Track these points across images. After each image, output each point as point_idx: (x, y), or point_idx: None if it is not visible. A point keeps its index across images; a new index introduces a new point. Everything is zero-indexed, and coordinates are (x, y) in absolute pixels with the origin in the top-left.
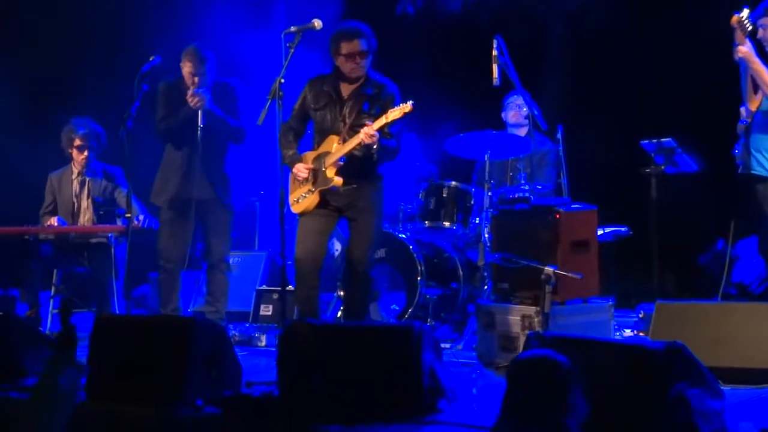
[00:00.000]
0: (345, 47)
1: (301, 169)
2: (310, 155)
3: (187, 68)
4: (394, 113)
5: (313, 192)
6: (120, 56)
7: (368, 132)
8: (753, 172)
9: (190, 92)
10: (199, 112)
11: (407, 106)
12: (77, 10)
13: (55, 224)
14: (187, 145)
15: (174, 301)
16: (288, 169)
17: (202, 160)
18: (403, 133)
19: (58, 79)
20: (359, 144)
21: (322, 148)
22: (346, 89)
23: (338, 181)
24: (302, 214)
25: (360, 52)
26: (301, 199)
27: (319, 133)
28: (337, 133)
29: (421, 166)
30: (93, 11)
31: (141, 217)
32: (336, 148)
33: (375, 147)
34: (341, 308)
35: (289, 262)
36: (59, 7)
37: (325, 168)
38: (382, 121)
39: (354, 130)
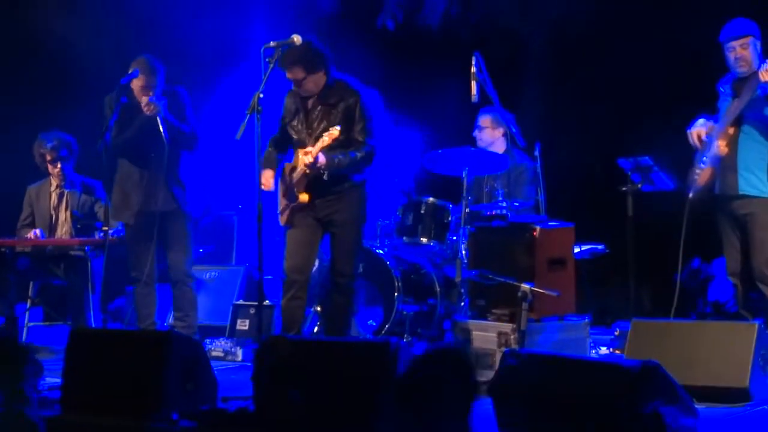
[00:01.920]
0: (288, 75)
1: (265, 179)
2: (287, 167)
3: (138, 80)
4: (325, 141)
5: (288, 206)
6: (100, 68)
7: (307, 162)
8: (742, 192)
9: (144, 101)
10: (159, 122)
11: (335, 132)
12: (58, 22)
13: (34, 236)
14: (145, 158)
15: (150, 316)
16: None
17: (157, 170)
18: (375, 133)
19: (32, 90)
20: (306, 169)
21: (295, 162)
22: (310, 100)
23: (303, 198)
24: (289, 225)
25: (300, 80)
26: (282, 212)
27: (294, 146)
28: (304, 146)
29: (398, 181)
30: (75, 24)
31: (117, 226)
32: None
33: (323, 170)
34: (318, 323)
35: (268, 277)
36: (37, 14)
37: (294, 182)
38: (318, 146)
39: (318, 140)
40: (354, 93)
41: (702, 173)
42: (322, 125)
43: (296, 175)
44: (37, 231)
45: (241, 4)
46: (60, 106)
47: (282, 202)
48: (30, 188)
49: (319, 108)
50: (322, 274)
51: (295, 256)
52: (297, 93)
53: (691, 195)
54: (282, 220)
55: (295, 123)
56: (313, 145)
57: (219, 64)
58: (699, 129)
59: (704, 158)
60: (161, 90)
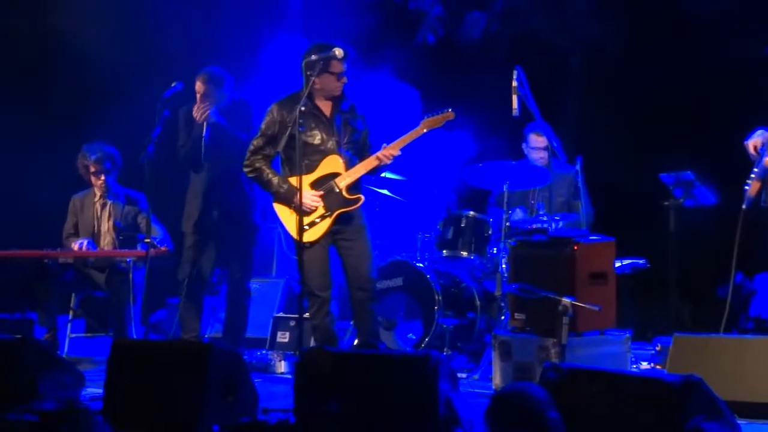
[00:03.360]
0: (335, 66)
1: (312, 198)
2: (305, 179)
3: (197, 87)
4: (431, 123)
5: (328, 216)
6: (144, 80)
7: (391, 154)
8: None
9: (195, 108)
10: (204, 126)
11: (449, 114)
12: (100, 33)
13: (80, 248)
14: (204, 167)
15: (196, 329)
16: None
17: (216, 179)
18: None
19: (79, 101)
20: (378, 164)
21: (323, 170)
22: (325, 107)
23: (361, 198)
24: (310, 243)
25: (346, 71)
26: (313, 226)
27: (311, 154)
28: (335, 153)
29: (439, 195)
30: (118, 35)
31: (159, 236)
32: (344, 167)
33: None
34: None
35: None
36: (80, 29)
37: (340, 189)
38: (413, 135)
39: (347, 148)
40: (357, 107)
41: (752, 185)
42: (347, 132)
43: (344, 180)
44: (85, 242)
45: (281, 17)
46: (104, 116)
47: (309, 217)
48: (74, 198)
49: (341, 114)
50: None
51: (323, 274)
52: (300, 100)
53: (744, 207)
54: (311, 235)
55: (314, 132)
56: (336, 153)
57: (262, 75)
58: (756, 140)
59: (755, 170)
60: (224, 100)
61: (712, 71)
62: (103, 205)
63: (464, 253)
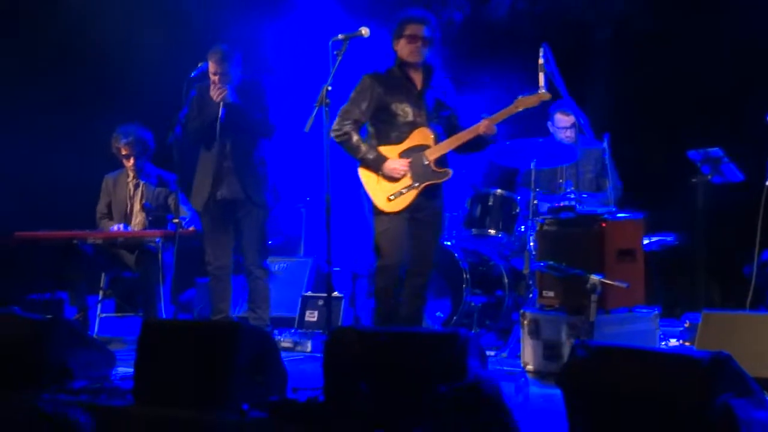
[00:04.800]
0: (410, 28)
1: (400, 166)
2: (393, 150)
3: (210, 68)
4: (526, 102)
5: (414, 187)
6: (170, 60)
7: (490, 125)
8: None
9: (211, 87)
10: (220, 107)
11: (545, 94)
12: (126, 13)
13: (117, 230)
14: (217, 145)
15: (225, 310)
16: (333, 168)
17: (228, 157)
18: None
19: (108, 81)
20: (473, 136)
21: (412, 141)
22: (417, 79)
23: (449, 172)
24: (391, 213)
25: (423, 37)
26: (398, 196)
27: (401, 126)
28: (424, 125)
29: (466, 173)
30: (143, 15)
31: (187, 216)
32: (434, 141)
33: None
34: None
35: (336, 269)
36: (106, 10)
37: (429, 161)
38: (506, 113)
39: (434, 120)
40: (447, 80)
41: None
42: (433, 104)
43: (434, 152)
44: (121, 226)
45: None
46: (135, 96)
47: (388, 189)
48: (107, 177)
49: (428, 86)
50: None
51: (403, 250)
52: (395, 72)
53: (767, 183)
54: (395, 206)
55: (404, 104)
56: (426, 126)
57: (286, 54)
58: None
59: None
60: (238, 79)
61: (742, 46)
62: (136, 186)
63: (492, 232)
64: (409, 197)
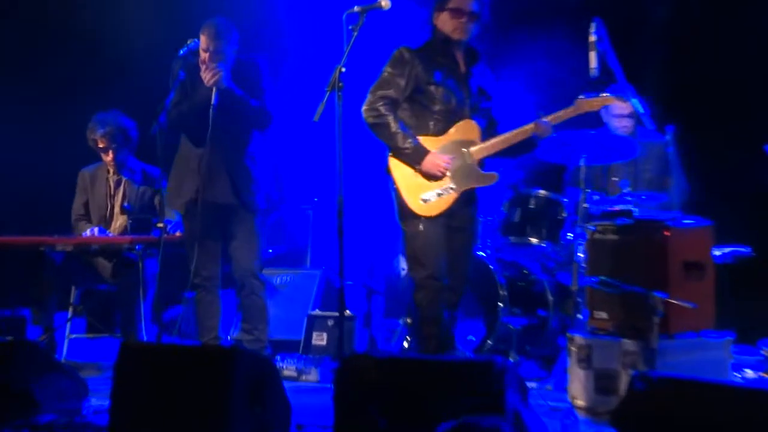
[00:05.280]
0: (455, 1)
1: (443, 163)
2: (432, 142)
3: (201, 43)
4: (588, 105)
5: (453, 190)
6: (159, 37)
7: (548, 127)
8: None
9: (203, 68)
10: (214, 92)
11: (609, 98)
12: None
13: (91, 234)
14: (205, 138)
15: (213, 328)
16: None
17: (219, 153)
18: None
19: (85, 61)
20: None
21: (455, 135)
22: (461, 61)
23: (495, 176)
24: (428, 218)
25: (470, 11)
26: (436, 198)
27: (440, 114)
28: (469, 117)
29: (504, 171)
30: None
31: (173, 220)
32: (479, 136)
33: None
34: (407, 337)
35: (349, 282)
36: None
37: (473, 160)
38: (564, 115)
39: (477, 112)
40: (489, 67)
41: None
42: (482, 92)
43: (480, 150)
44: (95, 230)
45: None
46: (114, 80)
47: (424, 188)
48: (83, 172)
49: (473, 69)
50: (410, 281)
51: (442, 257)
52: (437, 49)
53: None
54: (430, 209)
55: (447, 88)
56: (470, 118)
57: (290, 31)
58: None
59: None
60: (231, 58)
61: None
62: (118, 183)
63: (534, 240)
64: (447, 202)
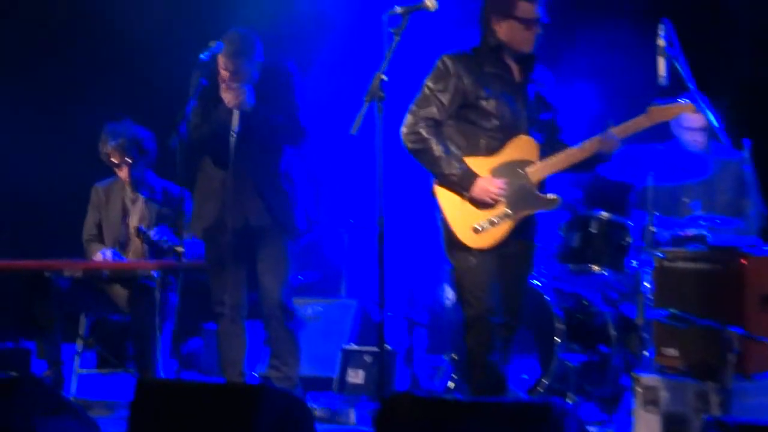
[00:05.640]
0: (522, 8)
1: (496, 188)
2: (483, 163)
3: (220, 62)
4: (662, 114)
5: (509, 217)
6: (179, 38)
7: (615, 141)
8: None
9: (223, 88)
10: (235, 114)
11: (687, 105)
12: None
13: (104, 259)
14: (226, 160)
15: (237, 363)
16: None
17: (245, 174)
18: None
19: (99, 65)
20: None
21: (509, 154)
22: (515, 70)
23: (558, 200)
24: (480, 249)
25: (540, 20)
26: (489, 227)
27: (493, 131)
28: (525, 132)
29: (561, 190)
30: None
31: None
32: (537, 154)
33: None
34: (453, 375)
35: (389, 314)
36: None
37: (531, 182)
38: (635, 126)
39: (535, 126)
40: (549, 74)
41: None
42: (541, 102)
43: (539, 170)
44: (109, 252)
45: None
46: (130, 85)
47: (474, 217)
48: (97, 187)
49: (530, 81)
50: (457, 314)
51: (494, 293)
52: (487, 57)
53: None
54: (483, 240)
55: (501, 101)
56: (527, 134)
57: (325, 34)
58: None
59: None
60: (255, 74)
61: None
62: (134, 201)
63: (594, 268)
64: (502, 230)
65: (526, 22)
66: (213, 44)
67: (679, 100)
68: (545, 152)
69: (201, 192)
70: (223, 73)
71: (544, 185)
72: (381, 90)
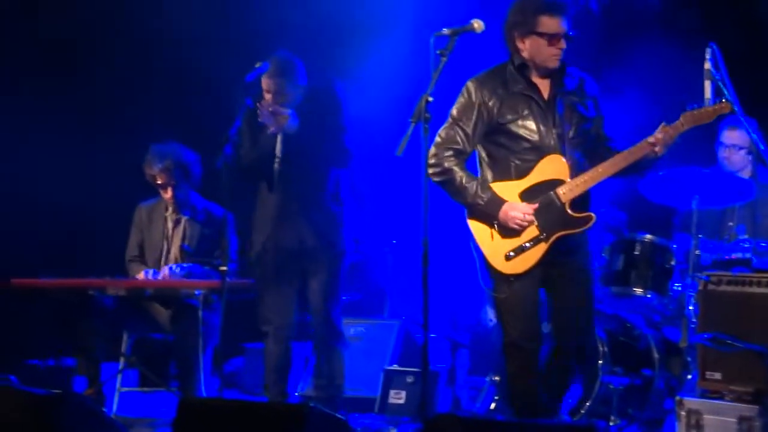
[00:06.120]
0: (544, 23)
1: (522, 214)
2: (512, 187)
3: (263, 84)
4: (696, 118)
5: (542, 240)
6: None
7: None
8: None
9: (266, 112)
10: (279, 138)
11: (724, 105)
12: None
13: (146, 278)
14: (278, 180)
15: (281, 382)
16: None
17: (292, 197)
18: None
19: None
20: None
21: (539, 176)
22: (543, 86)
23: (592, 217)
24: (516, 275)
25: (566, 33)
26: (520, 253)
27: (524, 152)
28: (556, 151)
29: (606, 212)
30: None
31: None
32: (569, 172)
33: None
34: (495, 397)
35: (432, 335)
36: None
37: (562, 202)
38: (678, 128)
39: (574, 144)
40: (592, 82)
41: None
42: (575, 115)
43: (572, 189)
44: (150, 272)
45: None
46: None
47: (506, 243)
48: (140, 207)
49: (563, 96)
50: (499, 335)
51: (531, 318)
52: (509, 77)
53: None
54: (516, 266)
55: (527, 122)
56: (571, 151)
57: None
58: None
59: None
60: (298, 96)
61: None
62: (177, 222)
63: (638, 290)
64: (536, 254)
65: (550, 38)
66: (258, 65)
67: (716, 100)
68: (593, 162)
69: (258, 216)
70: (266, 96)
71: (589, 204)
72: (427, 111)
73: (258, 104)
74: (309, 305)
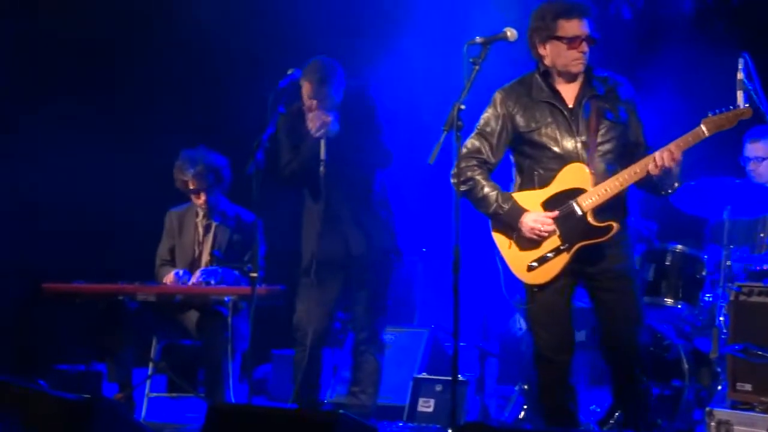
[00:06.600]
0: (566, 27)
1: (541, 225)
2: (533, 197)
3: (305, 90)
4: (717, 123)
5: (564, 250)
6: (256, 62)
7: (665, 162)
8: None
9: (309, 117)
10: (322, 143)
11: (744, 110)
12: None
13: (176, 279)
14: (319, 190)
15: (313, 388)
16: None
17: (341, 203)
18: None
19: (173, 89)
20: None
21: (562, 184)
22: (567, 92)
23: (614, 227)
24: (539, 285)
25: (588, 36)
26: (543, 263)
27: (550, 161)
28: (581, 160)
29: (636, 222)
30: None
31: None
32: (592, 181)
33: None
34: (524, 406)
35: (462, 344)
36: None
37: (583, 211)
38: (691, 140)
39: (602, 152)
40: (625, 86)
41: None
42: (603, 122)
43: (594, 199)
44: (181, 272)
45: None
46: (206, 111)
47: (528, 254)
48: (171, 213)
49: (590, 101)
50: (528, 344)
51: (558, 329)
52: (533, 86)
53: None
54: (538, 277)
55: (550, 130)
56: (598, 159)
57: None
58: None
59: None
60: (337, 101)
61: None
62: (207, 227)
63: (669, 301)
64: (558, 265)
65: (570, 41)
66: (291, 71)
67: (736, 105)
68: (624, 166)
69: (305, 227)
70: (309, 102)
71: (617, 212)
72: (459, 119)
73: (302, 109)
74: (353, 315)
